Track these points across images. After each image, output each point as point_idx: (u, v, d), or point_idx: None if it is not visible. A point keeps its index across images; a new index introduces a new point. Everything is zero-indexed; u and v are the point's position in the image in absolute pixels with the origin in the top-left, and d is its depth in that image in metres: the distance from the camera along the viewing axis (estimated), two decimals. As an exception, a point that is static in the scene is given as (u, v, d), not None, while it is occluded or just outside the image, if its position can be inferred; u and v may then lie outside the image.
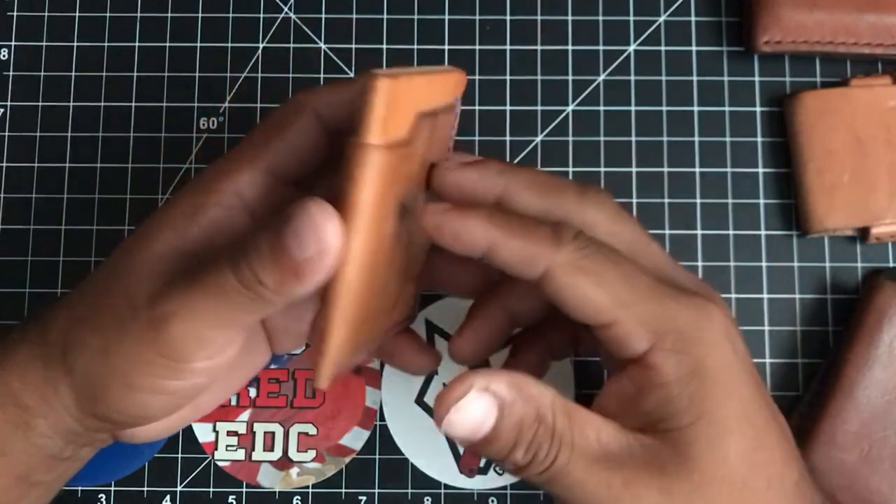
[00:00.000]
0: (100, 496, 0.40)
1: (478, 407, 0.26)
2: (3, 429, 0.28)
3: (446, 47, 0.43)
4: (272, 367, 0.40)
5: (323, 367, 0.25)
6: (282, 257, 0.24)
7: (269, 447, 0.40)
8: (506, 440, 0.26)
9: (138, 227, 0.29)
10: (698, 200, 0.41)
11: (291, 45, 0.43)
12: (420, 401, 0.40)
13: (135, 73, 0.43)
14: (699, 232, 0.41)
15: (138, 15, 0.43)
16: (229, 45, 0.43)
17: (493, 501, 0.40)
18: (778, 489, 0.27)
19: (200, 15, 0.43)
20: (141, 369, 0.27)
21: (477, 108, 0.42)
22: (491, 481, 0.40)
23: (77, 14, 0.43)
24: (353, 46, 0.43)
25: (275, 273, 0.24)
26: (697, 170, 0.41)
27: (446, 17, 0.43)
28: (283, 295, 0.25)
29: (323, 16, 0.43)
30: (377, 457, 0.40)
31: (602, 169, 0.42)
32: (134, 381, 0.27)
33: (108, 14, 0.43)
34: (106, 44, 0.43)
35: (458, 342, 0.32)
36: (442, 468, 0.40)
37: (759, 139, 0.42)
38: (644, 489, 0.26)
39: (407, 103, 0.25)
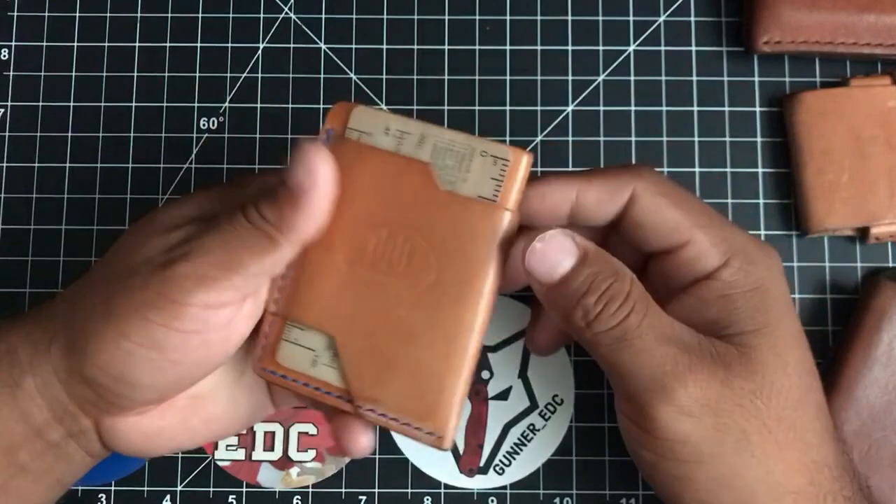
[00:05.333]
0: (100, 496, 0.40)
1: (562, 241, 0.28)
2: None
3: (446, 47, 0.43)
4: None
5: (449, 431, 0.28)
6: (280, 190, 0.27)
7: (269, 447, 0.40)
8: (581, 282, 0.28)
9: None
10: (698, 200, 0.41)
11: (291, 45, 0.43)
12: (420, 401, 0.40)
13: (135, 73, 0.43)
14: (699, 232, 0.41)
15: (138, 15, 0.43)
16: (229, 45, 0.43)
17: (492, 501, 0.40)
18: (824, 421, 0.29)
19: (200, 15, 0.43)
20: (136, 311, 0.27)
21: (477, 108, 0.42)
22: (491, 481, 0.40)
23: (77, 14, 0.43)
24: (353, 46, 0.43)
25: (274, 206, 0.27)
26: (697, 170, 0.41)
27: (446, 17, 0.43)
28: (285, 229, 0.27)
29: (323, 16, 0.43)
30: (377, 456, 0.40)
31: (602, 169, 0.42)
32: (126, 327, 0.27)
33: (108, 14, 0.43)
34: (106, 44, 0.43)
35: (533, 335, 0.35)
36: (442, 468, 0.40)
37: (759, 139, 0.42)
38: (708, 376, 0.28)
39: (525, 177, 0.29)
